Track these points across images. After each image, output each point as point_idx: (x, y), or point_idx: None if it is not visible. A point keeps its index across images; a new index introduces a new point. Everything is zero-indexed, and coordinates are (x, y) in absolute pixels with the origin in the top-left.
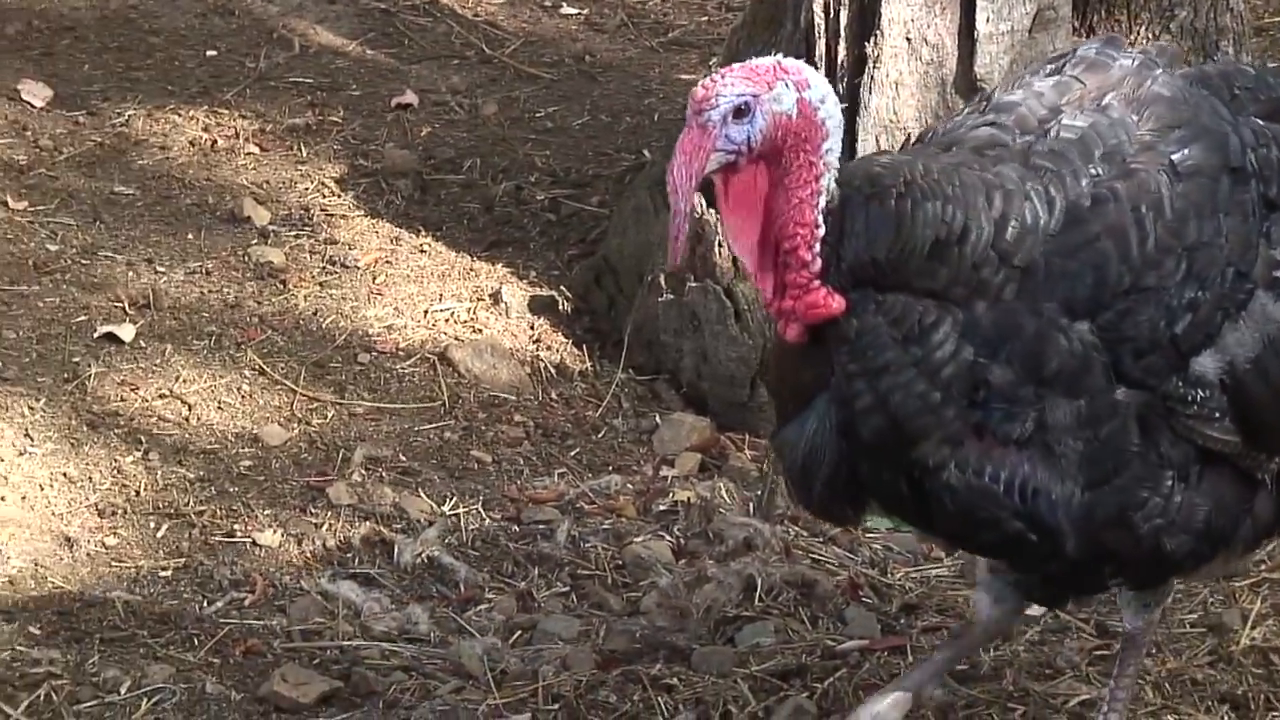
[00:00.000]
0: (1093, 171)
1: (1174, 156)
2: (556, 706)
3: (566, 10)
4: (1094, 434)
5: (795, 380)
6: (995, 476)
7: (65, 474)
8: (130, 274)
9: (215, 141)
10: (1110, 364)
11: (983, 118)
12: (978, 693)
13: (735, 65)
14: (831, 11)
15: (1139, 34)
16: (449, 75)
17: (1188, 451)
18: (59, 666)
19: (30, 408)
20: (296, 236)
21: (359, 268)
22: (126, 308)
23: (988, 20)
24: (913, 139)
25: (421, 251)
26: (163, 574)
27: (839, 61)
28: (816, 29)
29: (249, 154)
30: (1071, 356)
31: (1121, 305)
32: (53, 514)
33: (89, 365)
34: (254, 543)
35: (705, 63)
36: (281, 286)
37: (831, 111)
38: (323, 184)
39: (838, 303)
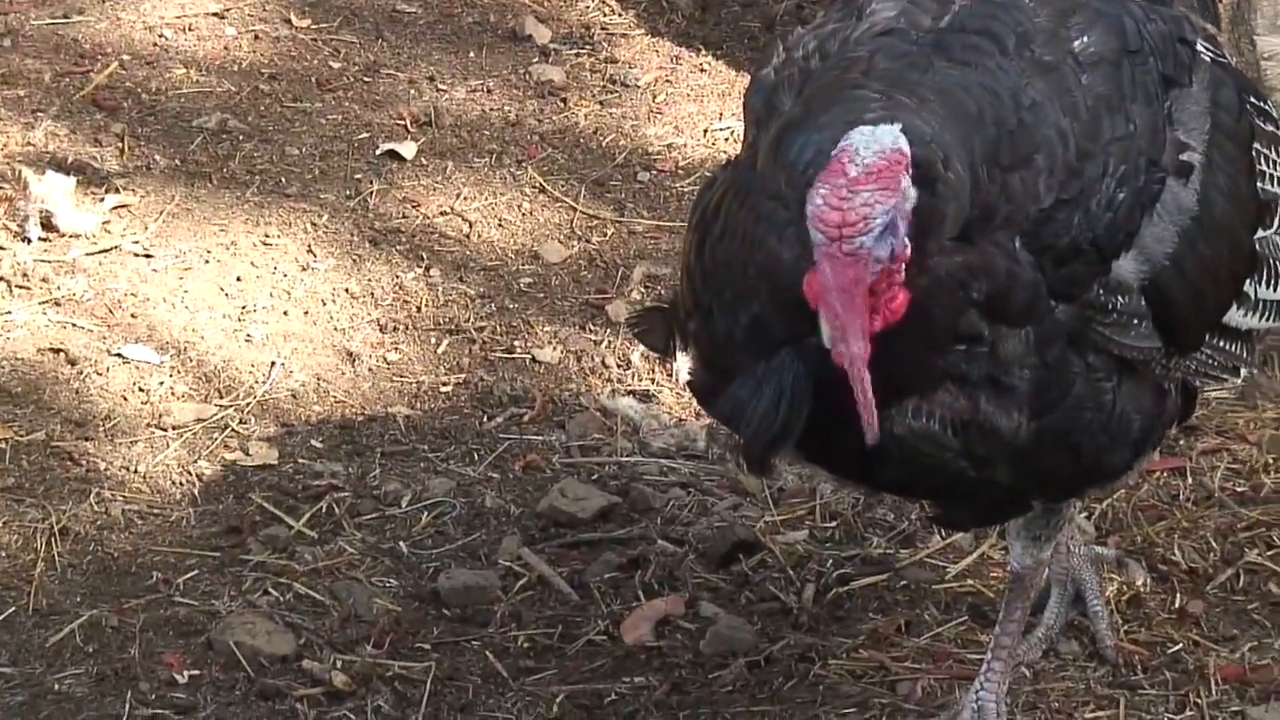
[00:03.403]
0: (1013, 66)
1: (1074, 46)
2: (834, 524)
3: None
4: (1041, 359)
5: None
6: (936, 418)
7: (347, 289)
8: (412, 91)
9: None
10: (1043, 281)
11: (868, 26)
12: (1257, 515)
13: (860, 173)
14: None
15: None
16: None
17: (1108, 363)
18: (340, 479)
19: (313, 224)
20: (577, 55)
21: (639, 86)
22: (408, 125)
23: None
24: (783, 58)
25: (702, 70)
26: (443, 389)
27: None
28: None
29: None
30: (1029, 287)
31: (1043, 214)
32: (335, 329)
33: (371, 182)
34: (533, 359)
35: None
36: (562, 105)
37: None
38: (604, 2)
39: (906, 292)
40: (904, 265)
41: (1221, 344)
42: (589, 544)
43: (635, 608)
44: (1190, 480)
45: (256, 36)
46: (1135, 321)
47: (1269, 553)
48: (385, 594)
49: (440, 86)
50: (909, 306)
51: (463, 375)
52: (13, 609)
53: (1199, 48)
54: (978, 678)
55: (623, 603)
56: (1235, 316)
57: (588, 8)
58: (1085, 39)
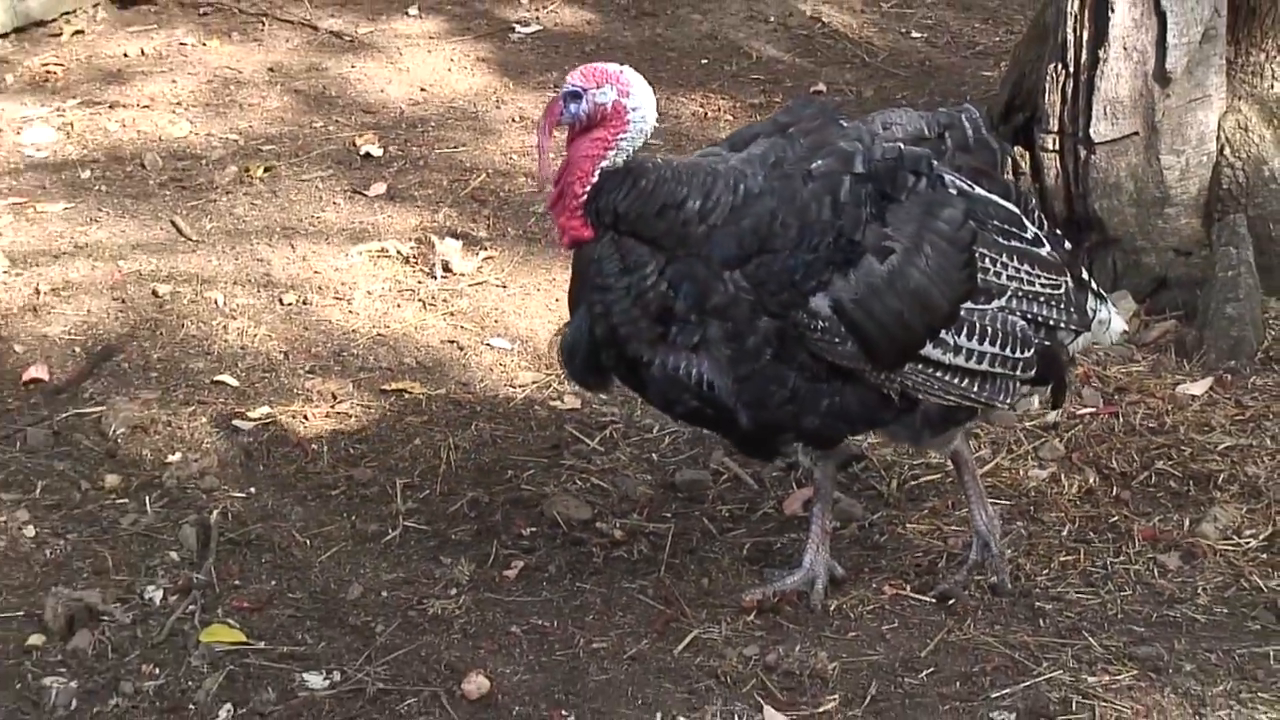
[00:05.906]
0: (763, 174)
1: (811, 167)
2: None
3: (914, 34)
4: (739, 346)
5: (572, 293)
6: (679, 368)
7: None
8: None
9: (706, 114)
10: (755, 300)
11: (710, 149)
12: (1162, 440)
13: (590, 65)
14: (1077, 31)
15: (1273, 44)
16: (844, 73)
17: (822, 365)
18: (618, 417)
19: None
20: None
21: None
22: None
23: (1173, 36)
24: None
25: None
26: None
27: (1082, 61)
28: (1069, 42)
29: (726, 121)
30: (725, 295)
31: (759, 260)
32: None
33: None
34: None
35: (998, 64)
36: None
37: (640, 116)
38: None
39: (589, 231)
40: (582, 193)
41: (932, 371)
42: None
43: (791, 492)
44: (1121, 419)
45: None
46: (837, 341)
47: (1169, 463)
48: (644, 484)
49: None
50: (593, 240)
51: None
52: (427, 492)
53: (948, 180)
54: (970, 527)
55: (783, 489)
56: (934, 353)
57: None
58: (820, 163)
